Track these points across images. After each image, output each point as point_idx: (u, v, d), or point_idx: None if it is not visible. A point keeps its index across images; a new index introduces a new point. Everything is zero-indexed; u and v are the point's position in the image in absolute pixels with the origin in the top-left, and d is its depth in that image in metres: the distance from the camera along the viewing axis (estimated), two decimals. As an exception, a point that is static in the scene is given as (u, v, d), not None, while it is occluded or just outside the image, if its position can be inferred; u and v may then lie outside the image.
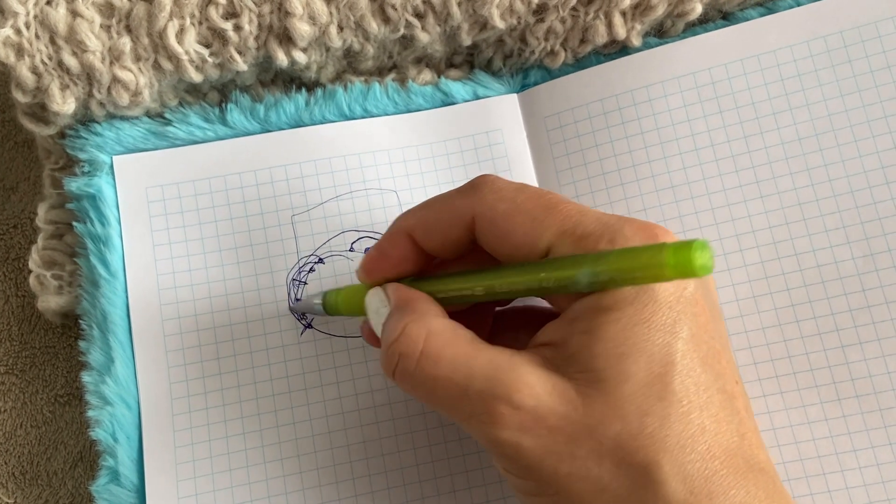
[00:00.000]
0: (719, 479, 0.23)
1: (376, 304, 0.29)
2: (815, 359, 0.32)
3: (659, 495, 0.23)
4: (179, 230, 0.34)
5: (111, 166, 0.35)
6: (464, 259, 0.30)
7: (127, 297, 0.33)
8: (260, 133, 0.36)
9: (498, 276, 0.26)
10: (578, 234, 0.25)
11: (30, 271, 0.35)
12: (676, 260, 0.21)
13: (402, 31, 0.35)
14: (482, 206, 0.27)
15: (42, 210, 0.36)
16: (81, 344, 0.33)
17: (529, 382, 0.24)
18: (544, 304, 0.31)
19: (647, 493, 0.23)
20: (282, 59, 0.34)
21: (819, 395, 0.32)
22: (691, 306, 0.24)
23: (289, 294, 0.34)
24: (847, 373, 0.32)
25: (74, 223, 0.34)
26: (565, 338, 0.25)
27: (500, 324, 0.31)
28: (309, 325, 0.34)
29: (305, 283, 0.34)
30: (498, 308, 0.32)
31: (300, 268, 0.34)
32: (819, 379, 0.32)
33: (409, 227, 0.29)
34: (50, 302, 0.35)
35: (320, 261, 0.34)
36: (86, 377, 0.33)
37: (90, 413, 0.32)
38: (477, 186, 0.27)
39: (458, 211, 0.27)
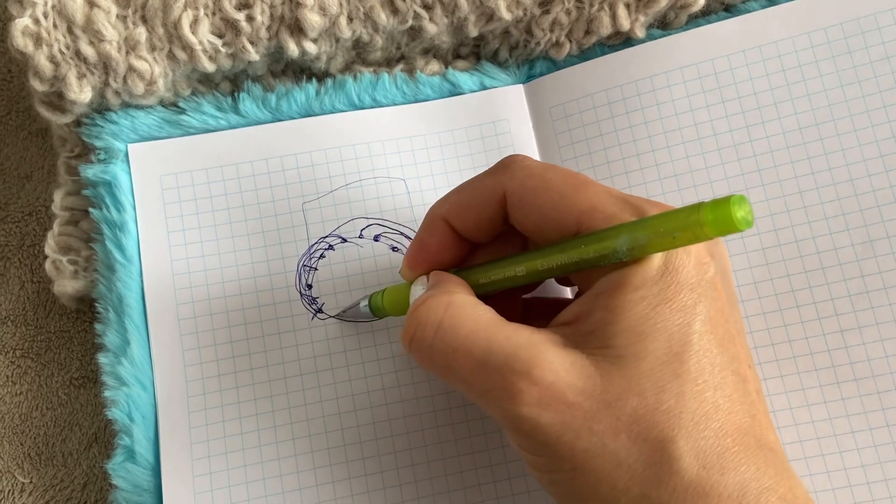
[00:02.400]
0: (731, 456, 0.23)
1: (419, 291, 0.29)
2: (814, 343, 0.33)
3: (673, 469, 0.23)
4: (193, 217, 0.35)
5: (126, 154, 0.35)
6: (498, 245, 0.30)
7: (142, 281, 0.34)
8: (271, 122, 0.36)
9: (539, 255, 0.26)
10: (608, 212, 0.25)
11: (45, 257, 0.36)
12: (715, 216, 0.21)
13: (410, 22, 0.35)
14: (512, 183, 0.27)
15: (58, 197, 0.36)
16: (97, 326, 0.34)
17: (548, 358, 0.24)
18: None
19: (662, 468, 0.23)
20: (293, 49, 0.35)
21: (818, 379, 0.33)
22: (711, 290, 0.25)
23: (299, 279, 0.35)
24: (846, 356, 0.33)
25: (90, 209, 0.35)
26: (587, 312, 0.25)
27: (527, 313, 0.32)
28: (319, 310, 0.34)
29: (316, 269, 0.35)
30: (525, 296, 0.32)
31: (311, 254, 0.35)
32: (818, 363, 0.33)
33: (443, 212, 0.29)
34: (66, 286, 0.35)
35: (330, 247, 0.35)
36: (102, 359, 0.33)
37: (106, 393, 0.33)
38: (507, 165, 0.28)
39: (489, 189, 0.28)
